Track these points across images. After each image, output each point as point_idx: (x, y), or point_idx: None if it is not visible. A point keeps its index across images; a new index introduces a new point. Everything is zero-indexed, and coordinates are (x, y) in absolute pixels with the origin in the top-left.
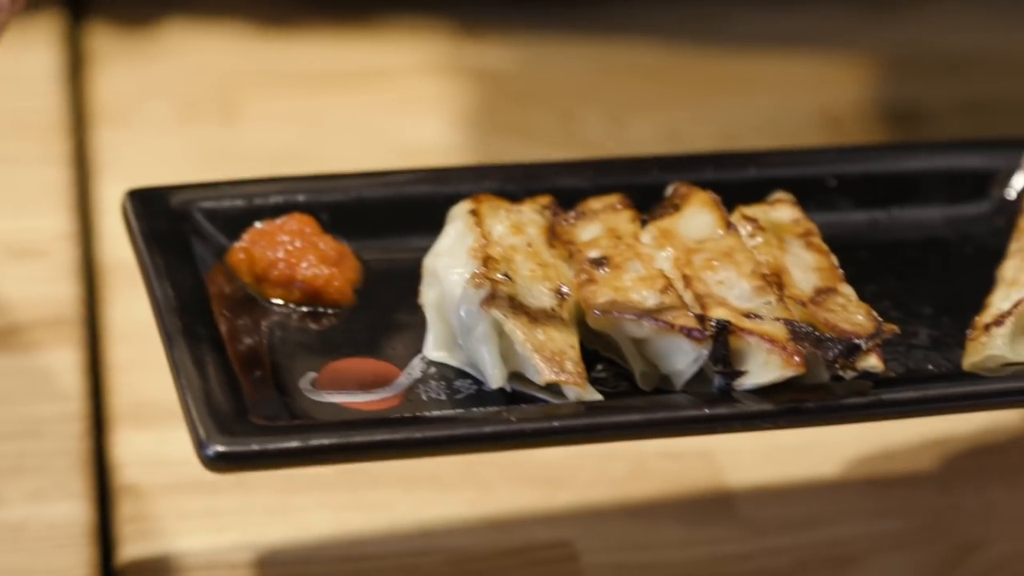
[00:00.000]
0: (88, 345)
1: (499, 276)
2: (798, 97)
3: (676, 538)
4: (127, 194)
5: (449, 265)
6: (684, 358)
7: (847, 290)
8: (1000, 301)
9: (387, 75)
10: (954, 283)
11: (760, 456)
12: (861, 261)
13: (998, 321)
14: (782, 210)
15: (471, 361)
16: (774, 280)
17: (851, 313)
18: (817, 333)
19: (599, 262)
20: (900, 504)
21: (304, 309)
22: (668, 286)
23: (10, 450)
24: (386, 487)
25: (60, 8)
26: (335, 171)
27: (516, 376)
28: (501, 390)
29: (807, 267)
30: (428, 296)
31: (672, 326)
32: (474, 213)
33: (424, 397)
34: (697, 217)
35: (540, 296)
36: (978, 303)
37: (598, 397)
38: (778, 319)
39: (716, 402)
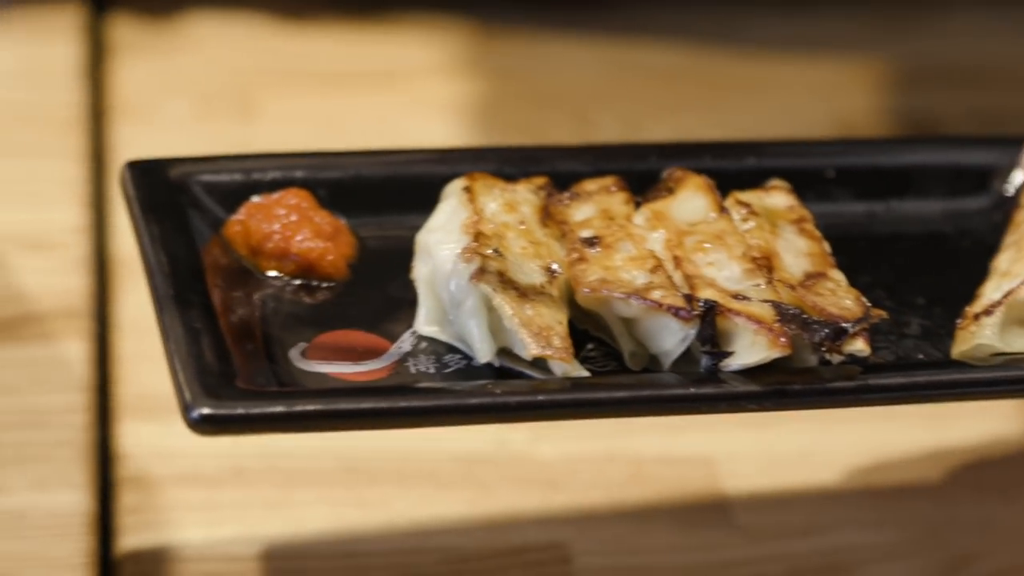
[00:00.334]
0: (96, 337)
1: (489, 251)
2: (812, 102)
3: (671, 543)
4: (126, 165)
5: (441, 240)
6: (672, 338)
7: (837, 275)
8: (992, 292)
9: (403, 75)
10: (949, 275)
11: (758, 463)
12: (857, 252)
13: (988, 311)
14: (777, 196)
15: (460, 336)
16: (764, 263)
17: (840, 298)
18: (804, 316)
19: (591, 241)
20: (897, 514)
21: (298, 282)
22: (658, 266)
23: (15, 439)
24: (384, 484)
25: (83, 0)
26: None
27: (505, 352)
28: (489, 365)
29: (798, 252)
30: (420, 271)
31: (660, 305)
32: (468, 190)
33: (413, 370)
34: (691, 200)
35: (530, 273)
36: (972, 295)
37: (585, 374)
38: (766, 301)
39: (703, 382)
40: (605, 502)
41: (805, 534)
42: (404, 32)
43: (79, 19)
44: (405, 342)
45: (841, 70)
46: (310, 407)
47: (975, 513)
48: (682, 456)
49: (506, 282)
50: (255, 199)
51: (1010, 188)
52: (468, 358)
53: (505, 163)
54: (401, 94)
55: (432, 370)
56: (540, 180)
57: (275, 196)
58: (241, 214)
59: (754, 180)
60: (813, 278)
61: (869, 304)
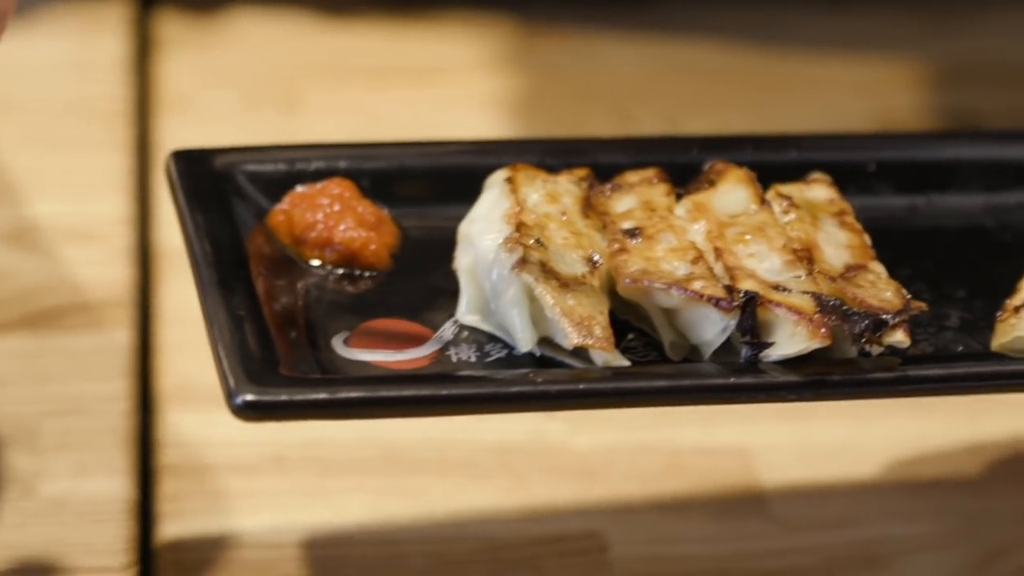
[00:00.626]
0: (139, 327)
1: (531, 242)
2: (855, 101)
3: (707, 533)
4: (172, 154)
5: (483, 230)
6: (712, 328)
7: (878, 267)
8: None
9: (446, 70)
10: (989, 269)
11: (795, 455)
12: (897, 244)
13: None
14: (818, 189)
15: (502, 325)
16: (804, 255)
17: (880, 289)
18: (845, 307)
19: (632, 232)
20: (933, 506)
21: (340, 271)
22: (699, 257)
23: (57, 426)
24: (422, 473)
25: None
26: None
27: (546, 341)
28: (530, 354)
29: (839, 244)
30: (462, 261)
31: (701, 296)
32: (510, 181)
33: (454, 359)
34: (732, 192)
35: (572, 263)
36: (1012, 289)
37: (626, 363)
38: (806, 292)
39: (742, 372)
40: (641, 492)
41: (841, 525)
42: (447, 28)
43: (126, 14)
44: (447, 331)
45: (883, 68)
46: (353, 394)
47: (1011, 506)
48: (718, 447)
49: (548, 272)
50: (299, 189)
51: None
52: (509, 347)
53: (547, 155)
54: (443, 89)
55: (473, 359)
56: (582, 171)
57: (318, 186)
58: (285, 203)
59: (795, 173)
60: (853, 270)
61: (909, 296)
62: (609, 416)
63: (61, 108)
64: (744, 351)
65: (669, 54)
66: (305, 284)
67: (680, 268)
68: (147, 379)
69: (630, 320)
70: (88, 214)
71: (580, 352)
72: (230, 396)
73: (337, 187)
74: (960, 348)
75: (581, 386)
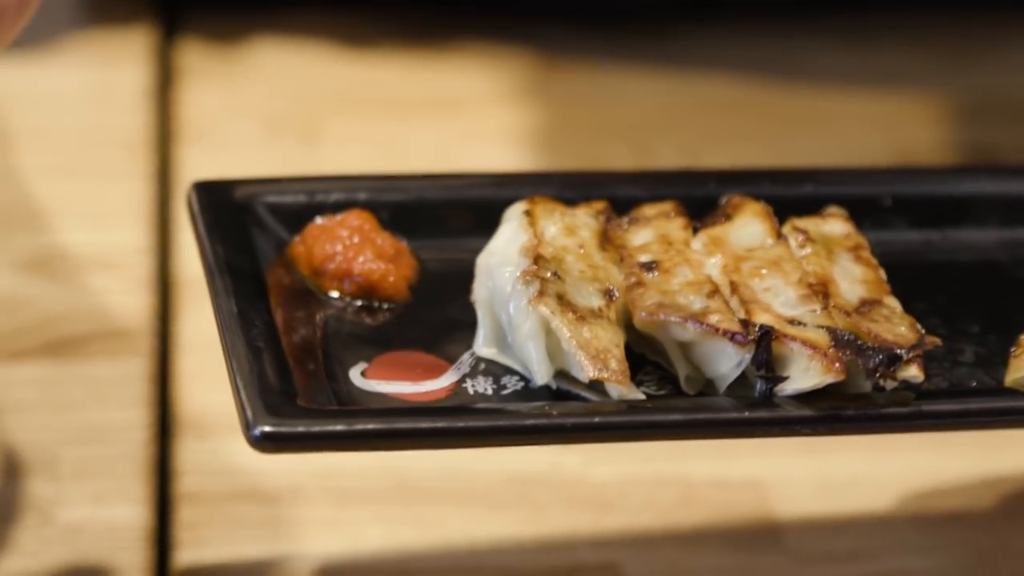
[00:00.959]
0: (157, 356)
1: (548, 274)
2: (874, 136)
3: (722, 566)
4: (193, 185)
5: (501, 263)
6: (727, 362)
7: (892, 302)
8: None
9: (465, 103)
10: (1004, 304)
11: (810, 488)
12: (912, 279)
13: None
14: (834, 224)
15: (518, 358)
16: (820, 289)
17: (895, 324)
18: (859, 342)
19: (649, 266)
20: (947, 540)
21: (359, 303)
22: (715, 291)
23: (76, 455)
24: (439, 504)
25: (153, 24)
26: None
27: (562, 375)
28: (547, 388)
29: (854, 279)
30: (480, 293)
31: (716, 330)
32: (528, 214)
33: (471, 391)
34: (748, 226)
35: (589, 296)
36: None
37: (641, 397)
38: (821, 326)
39: (757, 406)
40: (657, 524)
41: (855, 559)
42: (466, 60)
43: (148, 44)
44: (464, 363)
45: (901, 103)
46: (369, 426)
47: None
48: (734, 480)
49: (564, 305)
50: (318, 220)
51: None
52: (526, 380)
53: (565, 187)
54: (462, 121)
55: (490, 391)
56: (599, 204)
57: (338, 218)
58: (304, 235)
59: (811, 207)
60: (868, 304)
61: (923, 331)
62: (626, 448)
63: (83, 137)
64: (759, 385)
65: (687, 87)
66: (324, 316)
67: (696, 302)
68: (166, 407)
69: (646, 353)
70: (109, 243)
71: (596, 385)
72: (248, 427)
73: (356, 219)
74: (974, 383)
75: (596, 419)
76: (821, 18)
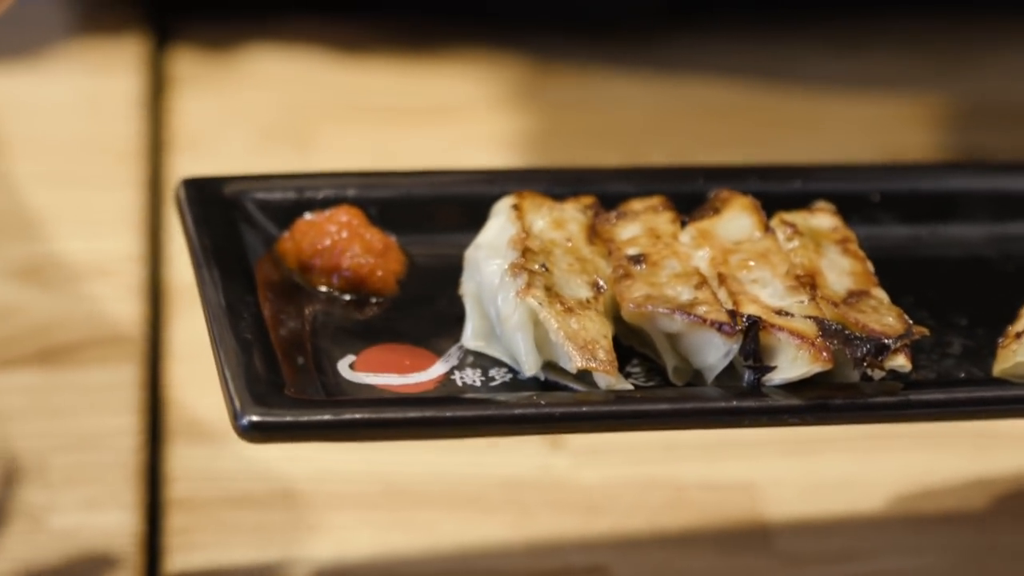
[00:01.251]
0: (149, 363)
1: (536, 267)
2: (863, 139)
3: (711, 567)
4: (182, 182)
5: (489, 256)
6: (715, 353)
7: (880, 293)
8: None
9: (456, 109)
10: (992, 298)
11: (800, 490)
12: (901, 274)
13: None
14: (821, 218)
15: (507, 350)
16: (808, 281)
17: (882, 315)
18: (847, 331)
19: (637, 259)
20: (938, 541)
21: (347, 297)
22: (703, 283)
23: (68, 461)
24: (428, 508)
25: (145, 32)
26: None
27: (550, 366)
28: (535, 379)
29: (842, 271)
30: (468, 287)
31: (704, 320)
32: (516, 208)
33: (459, 383)
34: (736, 220)
35: (577, 288)
36: (1014, 316)
37: (629, 387)
38: (808, 317)
39: (745, 396)
40: (646, 527)
41: (846, 560)
42: (457, 67)
43: (140, 52)
44: (452, 356)
45: (892, 107)
46: (357, 415)
47: (1017, 541)
48: (723, 482)
49: (552, 297)
50: (307, 216)
51: None
52: (514, 372)
53: (554, 184)
54: (455, 127)
55: (478, 383)
56: (588, 199)
57: (327, 213)
58: (293, 230)
59: (800, 203)
60: (856, 296)
61: (911, 321)
62: (615, 450)
63: (75, 145)
64: (747, 375)
65: (678, 92)
66: (312, 310)
67: (684, 293)
68: (157, 414)
69: (634, 346)
70: (101, 251)
71: (584, 376)
72: (235, 417)
73: (345, 214)
74: (962, 374)
75: (584, 409)
76: (812, 23)
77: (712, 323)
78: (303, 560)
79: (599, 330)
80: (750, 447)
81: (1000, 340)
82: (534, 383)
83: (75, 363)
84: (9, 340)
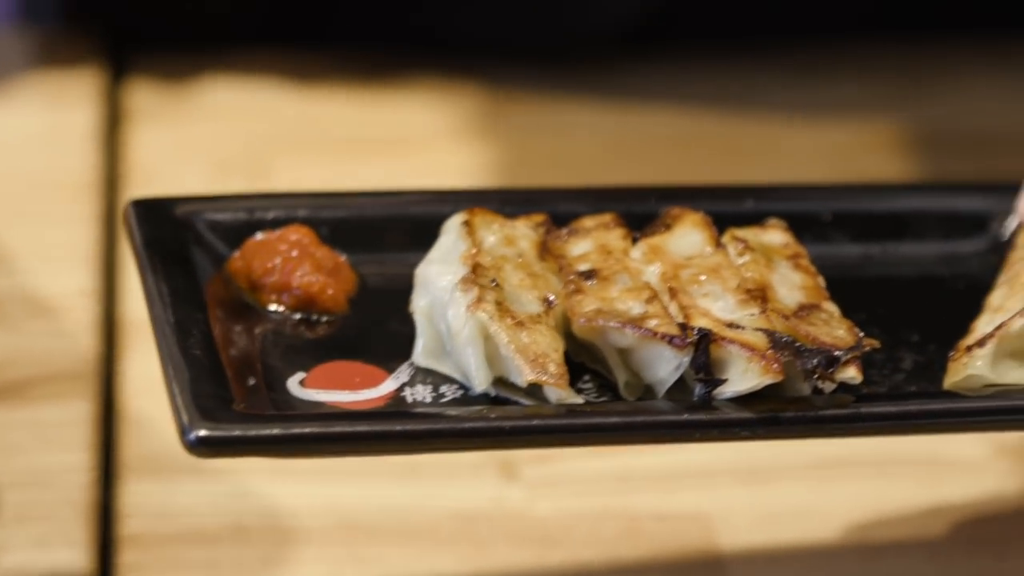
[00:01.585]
0: (102, 399)
1: (487, 282)
2: (822, 167)
3: None
4: (131, 203)
5: (440, 271)
6: (666, 366)
7: (831, 307)
8: (984, 326)
9: (414, 140)
10: (943, 315)
11: (753, 520)
12: (853, 292)
13: (980, 342)
14: (773, 234)
15: (457, 366)
16: (758, 295)
17: (833, 327)
18: (797, 343)
19: (588, 274)
20: (892, 570)
21: (298, 316)
22: (653, 297)
23: (18, 499)
24: (382, 542)
25: (101, 65)
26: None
27: (501, 382)
28: (486, 395)
29: (792, 285)
30: (419, 304)
31: (654, 333)
32: (467, 224)
33: (410, 399)
34: (688, 236)
35: (527, 303)
36: (965, 332)
37: (580, 401)
38: (759, 329)
39: (696, 409)
40: (600, 558)
41: None
42: (416, 98)
43: (96, 85)
44: (403, 373)
45: (850, 134)
46: (306, 429)
47: (969, 569)
48: (677, 512)
49: (503, 311)
50: (258, 236)
51: (1005, 232)
52: (465, 388)
53: (506, 204)
54: (413, 159)
55: (429, 399)
56: (539, 217)
57: (277, 233)
58: (244, 250)
59: (752, 223)
60: (807, 309)
61: (862, 334)
62: (569, 481)
63: (29, 180)
64: (697, 388)
65: (637, 120)
66: (263, 328)
67: (635, 308)
68: (110, 450)
69: (585, 362)
70: (53, 287)
71: (535, 391)
72: (183, 432)
73: (295, 234)
74: (913, 389)
75: (535, 422)
76: (769, 50)
77: (663, 336)
78: None
79: (550, 344)
80: (703, 477)
81: (951, 354)
82: (485, 399)
83: (27, 399)
84: None
